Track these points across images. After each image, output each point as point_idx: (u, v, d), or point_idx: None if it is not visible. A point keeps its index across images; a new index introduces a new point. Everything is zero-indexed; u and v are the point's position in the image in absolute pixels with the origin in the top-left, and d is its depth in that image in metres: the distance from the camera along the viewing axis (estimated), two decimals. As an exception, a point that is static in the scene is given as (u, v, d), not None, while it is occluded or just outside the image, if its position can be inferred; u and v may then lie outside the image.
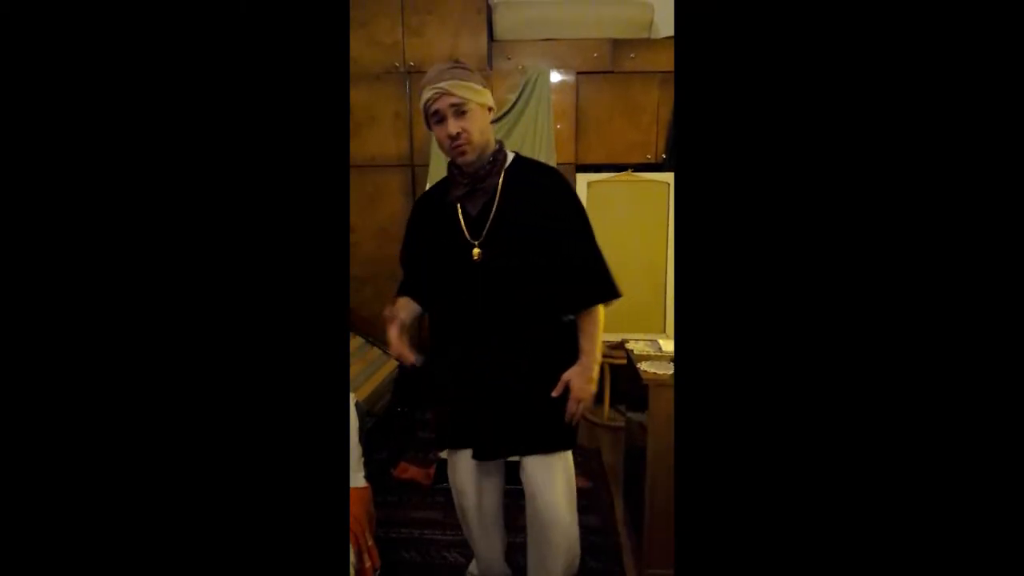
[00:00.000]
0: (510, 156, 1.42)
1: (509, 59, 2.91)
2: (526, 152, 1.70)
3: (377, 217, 3.05)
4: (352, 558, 1.61)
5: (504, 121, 2.89)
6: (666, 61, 2.83)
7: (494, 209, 1.35)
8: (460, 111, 1.29)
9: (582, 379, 1.37)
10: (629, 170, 2.89)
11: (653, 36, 2.99)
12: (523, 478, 1.46)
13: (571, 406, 1.38)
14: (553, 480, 1.44)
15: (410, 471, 2.49)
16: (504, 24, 2.91)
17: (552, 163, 2.57)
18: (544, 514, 1.45)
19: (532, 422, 1.40)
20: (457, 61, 1.33)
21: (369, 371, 2.72)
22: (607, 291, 1.37)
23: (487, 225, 1.36)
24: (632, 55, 2.84)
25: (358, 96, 2.90)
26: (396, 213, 3.04)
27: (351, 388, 2.22)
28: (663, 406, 1.62)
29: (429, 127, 1.36)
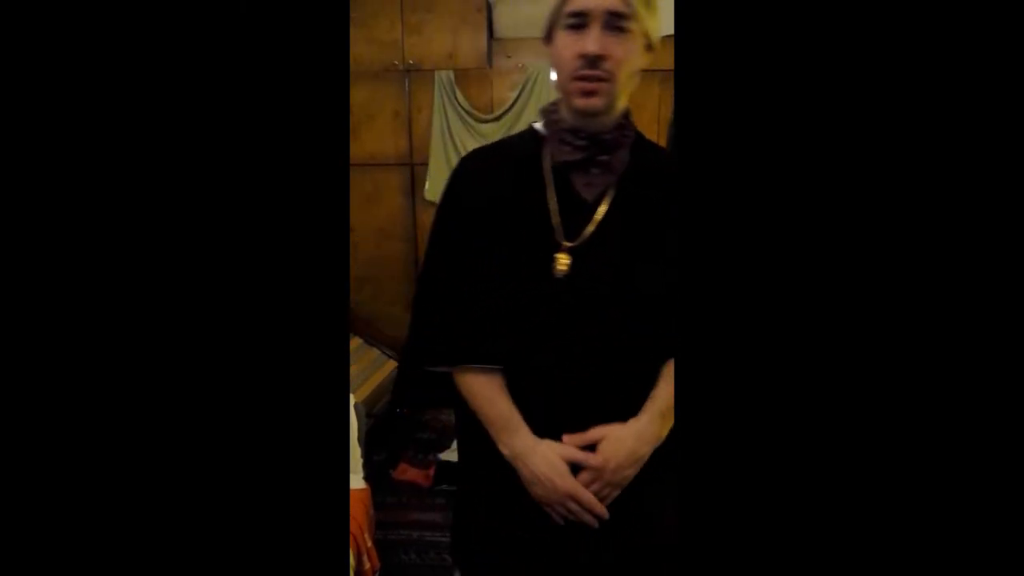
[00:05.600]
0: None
1: (509, 57, 2.90)
2: None
3: (376, 216, 3.05)
4: (351, 560, 1.61)
5: (504, 119, 2.89)
6: (666, 59, 2.81)
7: (611, 200, 0.85)
8: (616, 25, 0.79)
9: (625, 444, 0.82)
10: (629, 169, 2.87)
11: (653, 35, 2.98)
12: None
13: (587, 475, 0.81)
14: None
15: (410, 472, 2.49)
16: (504, 22, 2.90)
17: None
18: None
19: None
20: None
21: (368, 372, 2.72)
22: None
23: (593, 222, 0.84)
24: (632, 54, 2.83)
25: (357, 94, 2.90)
26: (395, 212, 3.04)
27: (350, 389, 2.22)
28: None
29: (548, 39, 0.86)
